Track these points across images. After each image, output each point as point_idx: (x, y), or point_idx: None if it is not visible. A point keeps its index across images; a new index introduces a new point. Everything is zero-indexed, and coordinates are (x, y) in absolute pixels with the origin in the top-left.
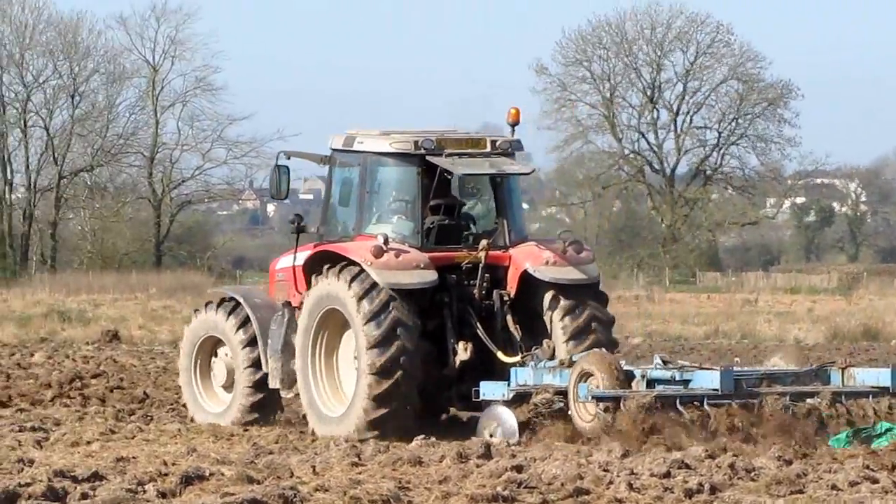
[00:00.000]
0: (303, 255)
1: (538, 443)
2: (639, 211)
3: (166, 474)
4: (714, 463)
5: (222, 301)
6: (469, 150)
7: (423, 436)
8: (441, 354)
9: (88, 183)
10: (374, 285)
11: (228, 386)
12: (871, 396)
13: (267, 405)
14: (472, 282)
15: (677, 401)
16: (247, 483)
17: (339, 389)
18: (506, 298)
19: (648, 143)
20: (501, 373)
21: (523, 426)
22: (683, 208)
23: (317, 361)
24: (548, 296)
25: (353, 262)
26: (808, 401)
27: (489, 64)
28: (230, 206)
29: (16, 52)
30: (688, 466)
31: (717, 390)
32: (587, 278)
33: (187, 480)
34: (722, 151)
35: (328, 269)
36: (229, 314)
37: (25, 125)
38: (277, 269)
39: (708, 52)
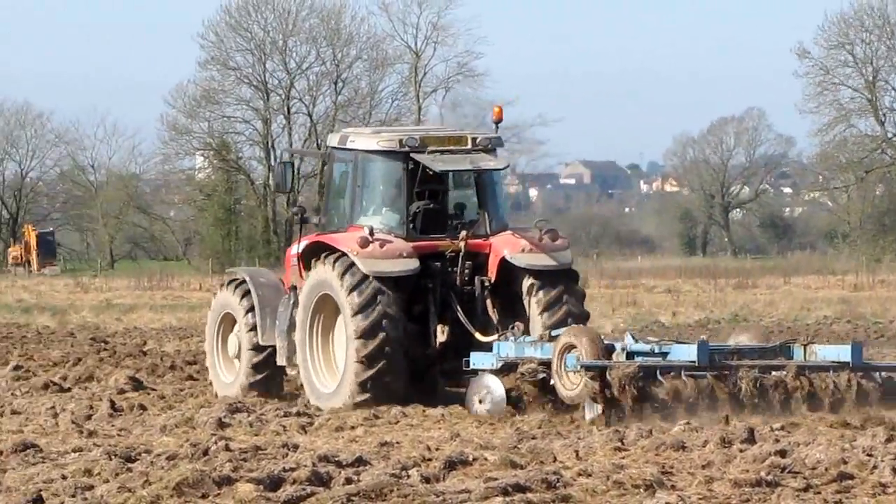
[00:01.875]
0: (304, 245)
1: (801, 428)
2: None
3: (430, 459)
4: None
5: (234, 281)
6: (451, 147)
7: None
8: (425, 335)
9: None
10: (360, 272)
11: (238, 357)
12: (831, 371)
13: (268, 366)
14: (454, 269)
15: (657, 371)
16: (510, 468)
17: (334, 366)
18: (486, 284)
19: None
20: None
21: (509, 394)
22: None
23: (314, 341)
24: (525, 281)
25: (342, 252)
26: (774, 373)
27: (751, 48)
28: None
29: (279, 39)
30: None
31: (693, 362)
32: (560, 264)
33: (451, 465)
34: None
35: (321, 257)
36: (236, 290)
37: (289, 111)
38: (291, 256)
39: None
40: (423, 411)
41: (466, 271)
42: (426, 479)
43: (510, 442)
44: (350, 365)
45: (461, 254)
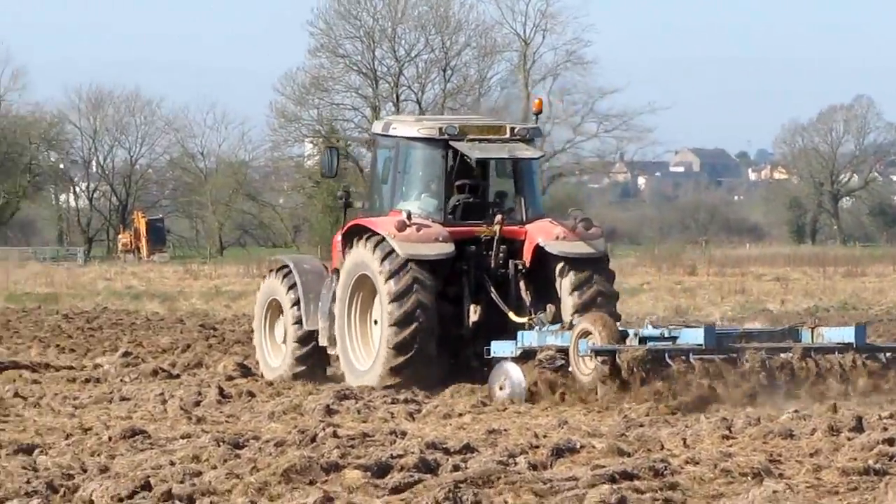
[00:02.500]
0: (346, 227)
1: None
2: None
3: (537, 447)
4: None
5: (280, 268)
6: (489, 136)
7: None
8: (459, 316)
9: None
10: (396, 255)
11: (285, 342)
12: (836, 352)
13: (312, 357)
14: (489, 253)
15: (666, 354)
16: (617, 455)
17: (371, 345)
18: (520, 268)
19: None
20: (513, 332)
21: (529, 380)
22: None
23: (352, 321)
24: (558, 267)
25: (381, 235)
26: (782, 355)
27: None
28: (601, 178)
29: (388, 26)
30: None
31: (701, 345)
32: (593, 252)
33: (558, 453)
34: None
35: (360, 239)
36: (283, 278)
37: (398, 99)
38: (336, 241)
39: None
40: (530, 398)
41: (501, 256)
42: (533, 467)
43: (617, 430)
44: (382, 350)
45: (496, 239)
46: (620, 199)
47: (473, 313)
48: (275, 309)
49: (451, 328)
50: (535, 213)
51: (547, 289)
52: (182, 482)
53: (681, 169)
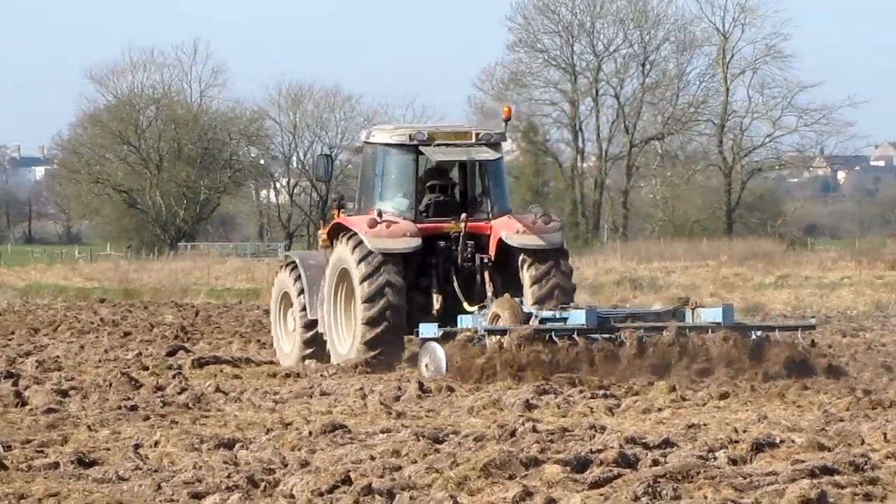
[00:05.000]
0: (329, 226)
1: None
2: None
3: (737, 441)
4: None
5: (289, 263)
6: (455, 141)
7: None
8: (428, 305)
9: (659, 151)
10: (369, 251)
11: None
12: (709, 331)
13: (316, 342)
14: (457, 248)
15: (552, 333)
16: (817, 450)
17: (353, 331)
18: (485, 261)
19: None
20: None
21: (451, 358)
22: None
23: (337, 309)
24: (520, 259)
25: (355, 232)
26: (658, 334)
27: None
28: (801, 173)
29: (587, 21)
30: None
31: (583, 325)
32: (549, 244)
33: (758, 447)
34: None
35: (340, 237)
36: (291, 272)
37: (597, 94)
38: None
39: None
40: (727, 393)
41: (468, 251)
42: (733, 462)
43: (817, 424)
44: (358, 326)
45: (462, 235)
46: (820, 194)
47: (438, 301)
48: (287, 301)
49: (421, 315)
50: (501, 210)
51: (512, 280)
52: (382, 476)
53: (881, 163)
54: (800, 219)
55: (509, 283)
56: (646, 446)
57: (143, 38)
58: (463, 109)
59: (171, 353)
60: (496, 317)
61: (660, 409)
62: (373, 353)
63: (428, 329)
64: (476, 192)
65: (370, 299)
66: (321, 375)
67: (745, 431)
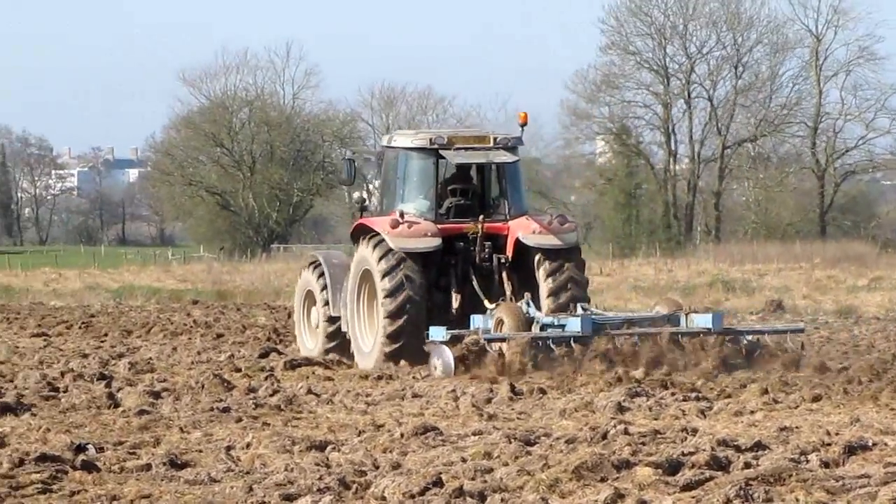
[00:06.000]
0: (353, 227)
1: None
2: None
3: (829, 444)
4: None
5: (313, 262)
6: (474, 145)
7: None
8: (448, 304)
9: (752, 153)
10: (390, 249)
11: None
12: (700, 335)
13: (338, 338)
14: (475, 248)
15: (550, 341)
16: None
17: (375, 328)
18: (503, 261)
19: None
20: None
21: (458, 360)
22: None
23: (360, 308)
24: (536, 258)
25: (377, 232)
26: (652, 339)
27: None
28: (895, 175)
29: (680, 23)
30: None
31: (579, 332)
32: (564, 244)
33: (850, 450)
34: None
35: (362, 238)
36: (315, 270)
37: (689, 96)
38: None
39: None
40: (819, 395)
41: (486, 251)
42: (825, 464)
43: None
44: (380, 321)
45: (480, 235)
46: None
47: (457, 300)
48: (311, 299)
49: (441, 314)
50: (518, 211)
51: (528, 278)
52: (473, 479)
53: None
54: (893, 221)
55: (526, 282)
56: (738, 449)
57: (236, 41)
58: (555, 112)
59: (264, 355)
60: (500, 322)
61: (752, 412)
62: (395, 346)
63: (437, 332)
64: (494, 195)
65: (391, 294)
66: (413, 378)
67: (837, 434)
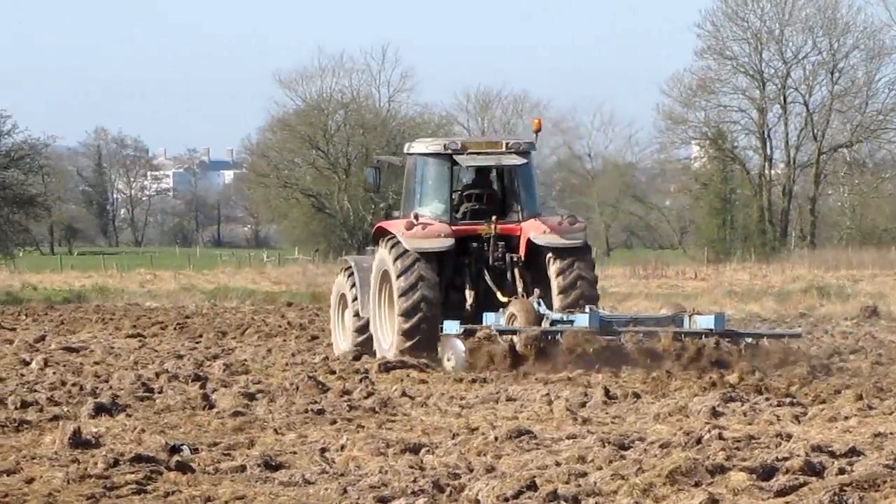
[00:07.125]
0: (374, 230)
1: None
2: None
3: None
4: None
5: (346, 267)
6: (486, 150)
7: None
8: (463, 301)
9: (848, 159)
10: (405, 249)
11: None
12: (703, 336)
13: (369, 339)
14: (488, 248)
15: (559, 335)
16: None
17: (393, 328)
18: (515, 260)
19: None
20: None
21: (470, 353)
22: None
23: (381, 307)
24: (547, 257)
25: (394, 234)
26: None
27: None
28: None
29: (776, 28)
30: None
31: (586, 327)
32: (573, 243)
33: None
34: None
35: (381, 240)
36: (347, 275)
37: (785, 101)
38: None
39: None
40: None
41: (499, 251)
42: None
43: None
44: (396, 318)
45: (493, 236)
46: None
47: (471, 298)
48: (343, 301)
49: (455, 311)
50: (530, 213)
51: (540, 276)
52: (567, 483)
53: None
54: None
55: (538, 281)
56: (832, 455)
57: (332, 43)
58: (651, 116)
59: (358, 358)
60: (512, 317)
61: (846, 418)
62: (410, 343)
63: (451, 326)
64: (508, 198)
65: (406, 292)
66: (507, 381)
67: None
